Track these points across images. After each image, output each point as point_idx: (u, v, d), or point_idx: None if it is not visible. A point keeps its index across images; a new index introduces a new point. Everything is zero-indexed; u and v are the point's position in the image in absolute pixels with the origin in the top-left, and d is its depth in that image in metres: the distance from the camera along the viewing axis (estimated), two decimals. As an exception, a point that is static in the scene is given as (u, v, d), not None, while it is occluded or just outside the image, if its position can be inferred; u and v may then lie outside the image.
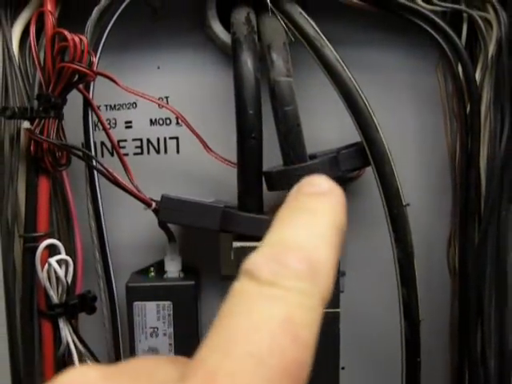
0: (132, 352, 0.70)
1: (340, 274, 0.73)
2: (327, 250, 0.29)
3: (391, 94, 0.72)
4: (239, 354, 0.24)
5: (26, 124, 0.62)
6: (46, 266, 0.63)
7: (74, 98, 0.66)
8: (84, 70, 0.60)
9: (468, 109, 0.66)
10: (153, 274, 0.71)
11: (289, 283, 0.26)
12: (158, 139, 0.73)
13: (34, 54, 0.62)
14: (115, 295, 0.69)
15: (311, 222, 0.30)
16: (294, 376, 0.25)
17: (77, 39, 0.60)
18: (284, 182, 0.63)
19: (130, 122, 0.73)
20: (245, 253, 0.60)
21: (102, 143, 0.73)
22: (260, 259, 0.28)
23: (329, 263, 0.28)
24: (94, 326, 0.71)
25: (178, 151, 0.74)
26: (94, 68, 0.63)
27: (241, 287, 0.27)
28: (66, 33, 0.60)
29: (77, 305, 0.65)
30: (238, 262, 0.61)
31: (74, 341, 0.66)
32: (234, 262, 0.61)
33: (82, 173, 0.67)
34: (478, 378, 0.67)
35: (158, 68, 0.72)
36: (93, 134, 0.67)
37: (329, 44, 0.63)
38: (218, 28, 0.69)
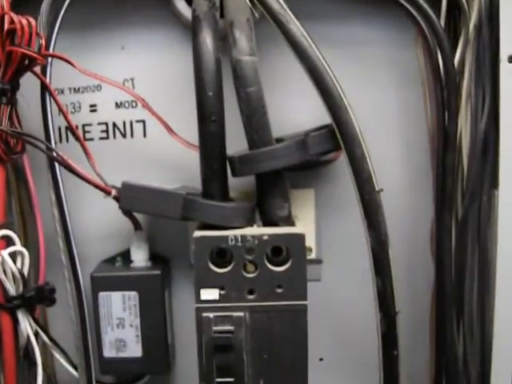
0: (99, 343, 0.68)
1: (316, 261, 0.71)
2: None
3: (368, 71, 0.68)
4: None
5: (-25, 112, 0.60)
6: (0, 258, 0.61)
7: (38, 81, 0.64)
8: (31, 54, 0.58)
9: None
10: (120, 263, 0.69)
11: None
12: (124, 123, 0.71)
13: (-17, 36, 0.60)
14: (81, 285, 0.67)
15: None
16: None
17: (24, 21, 0.57)
18: (248, 167, 0.60)
19: (95, 105, 0.71)
20: (206, 243, 0.58)
21: (67, 128, 0.70)
22: None
23: None
24: (62, 317, 0.69)
25: (144, 135, 0.71)
26: (44, 51, 0.60)
27: None
28: (13, 15, 0.57)
29: (34, 297, 0.63)
30: (198, 252, 0.58)
31: (37, 333, 0.65)
32: (195, 253, 0.59)
33: (45, 159, 0.65)
34: (457, 375, 0.64)
35: (123, 48, 0.70)
36: (52, 118, 0.64)
37: (295, 19, 0.58)
38: (181, 4, 0.66)
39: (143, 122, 0.70)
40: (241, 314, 0.59)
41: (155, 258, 0.70)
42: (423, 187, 0.69)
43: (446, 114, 0.61)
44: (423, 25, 0.62)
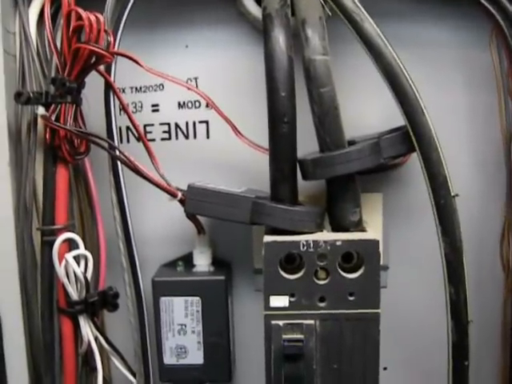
0: (159, 350, 0.66)
1: (383, 268, 0.68)
2: None
3: (440, 72, 0.66)
4: None
5: (40, 110, 0.59)
6: (64, 261, 0.59)
7: (100, 81, 0.62)
8: (100, 51, 0.56)
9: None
10: (181, 267, 0.68)
11: None
12: (187, 123, 0.69)
13: (49, 34, 0.58)
14: (142, 290, 0.65)
15: None
16: None
17: (93, 18, 0.56)
18: (322, 170, 0.58)
19: (157, 105, 0.69)
20: (277, 248, 0.56)
21: (128, 128, 0.69)
22: None
23: None
24: (121, 321, 0.68)
25: (208, 136, 0.69)
26: (113, 48, 0.59)
27: None
28: (81, 11, 0.56)
29: (97, 302, 0.61)
30: (268, 257, 0.56)
31: (96, 338, 0.63)
32: (265, 259, 0.57)
33: (106, 160, 0.64)
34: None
35: (187, 47, 0.68)
36: (115, 118, 0.63)
37: (369, 18, 0.56)
38: (248, 2, 0.64)
39: (206, 122, 0.69)
40: (311, 321, 0.57)
41: (217, 262, 0.69)
42: (493, 191, 0.67)
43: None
44: (501, 22, 0.60)
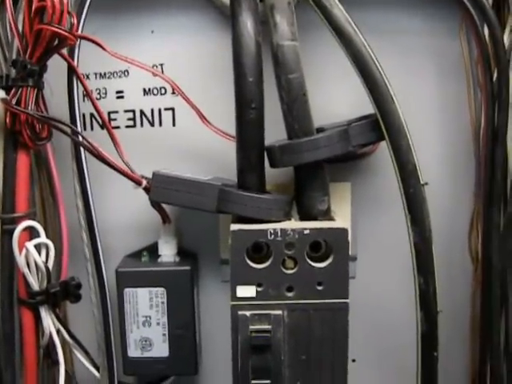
0: (123, 343, 0.65)
1: (351, 258, 0.68)
2: None
3: (409, 61, 0.66)
4: None
5: (0, 93, 0.57)
6: (24, 250, 0.57)
7: (63, 66, 0.60)
8: (63, 32, 0.54)
9: (495, 76, 0.59)
10: (146, 257, 0.67)
11: None
12: (152, 110, 0.68)
13: (10, 15, 0.56)
14: (105, 280, 0.64)
15: None
16: None
17: (56, -2, 0.54)
18: (290, 157, 0.57)
19: (122, 91, 0.67)
20: (244, 237, 0.55)
21: (92, 115, 0.67)
22: None
23: None
24: (84, 313, 0.66)
25: (173, 124, 0.68)
26: (76, 31, 0.57)
27: None
28: (43, -9, 0.54)
29: (58, 293, 0.59)
30: (235, 246, 0.55)
31: (58, 331, 0.61)
32: (231, 248, 0.56)
33: (69, 146, 0.62)
34: (500, 374, 0.61)
35: (152, 32, 0.67)
36: (79, 105, 0.61)
37: (339, 3, 0.56)
38: (216, -13, 0.63)
39: (172, 109, 0.67)
40: (279, 312, 0.56)
41: (182, 252, 0.67)
42: (462, 180, 0.67)
43: (497, 104, 0.59)
44: (471, 9, 0.59)
